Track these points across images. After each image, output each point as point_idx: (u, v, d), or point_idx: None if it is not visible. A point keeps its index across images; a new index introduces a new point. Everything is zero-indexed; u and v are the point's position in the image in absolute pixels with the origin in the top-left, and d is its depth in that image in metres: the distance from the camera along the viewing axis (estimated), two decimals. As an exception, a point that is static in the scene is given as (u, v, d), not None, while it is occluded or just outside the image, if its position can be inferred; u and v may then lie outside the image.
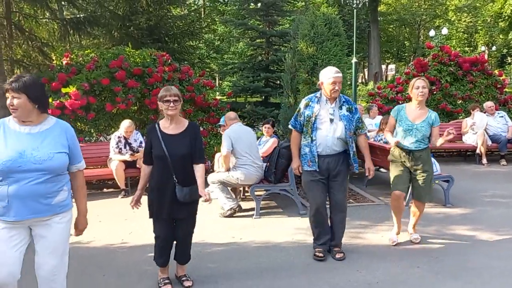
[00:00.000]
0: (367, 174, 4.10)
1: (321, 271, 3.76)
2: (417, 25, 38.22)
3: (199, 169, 3.38)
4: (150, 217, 3.42)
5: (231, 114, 5.74)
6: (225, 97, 10.41)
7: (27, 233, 2.60)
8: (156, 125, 3.39)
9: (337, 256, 4.02)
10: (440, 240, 4.43)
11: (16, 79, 2.54)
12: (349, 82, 8.84)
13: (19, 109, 2.51)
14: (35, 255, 2.63)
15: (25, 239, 2.60)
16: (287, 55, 7.10)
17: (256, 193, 5.48)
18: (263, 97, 10.90)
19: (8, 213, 2.49)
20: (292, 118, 4.12)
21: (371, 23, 31.60)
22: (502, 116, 8.92)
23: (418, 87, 4.09)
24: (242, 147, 5.35)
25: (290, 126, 4.16)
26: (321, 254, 3.99)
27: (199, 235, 4.59)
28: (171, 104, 3.26)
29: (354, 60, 9.71)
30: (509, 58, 37.62)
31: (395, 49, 41.74)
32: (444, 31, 29.43)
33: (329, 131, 3.89)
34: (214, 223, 5.10)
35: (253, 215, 5.39)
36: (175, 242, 3.50)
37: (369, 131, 7.60)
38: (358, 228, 4.86)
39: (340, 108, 3.95)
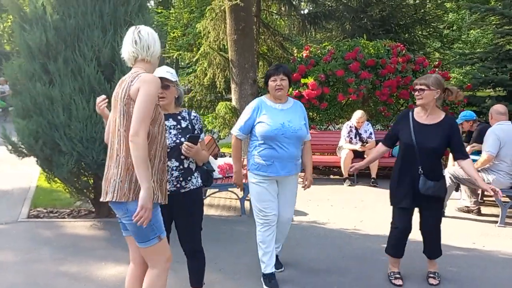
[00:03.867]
0: None
1: None
2: None
3: (467, 165, 3.21)
4: (391, 204, 3.41)
5: (500, 107, 5.02)
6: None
7: (277, 185, 3.26)
8: (410, 112, 3.34)
9: None
10: None
11: (280, 65, 3.23)
12: None
13: (284, 89, 3.17)
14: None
15: (277, 190, 3.25)
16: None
17: (503, 199, 4.87)
18: (507, 91, 9.54)
19: (269, 170, 3.15)
20: None
21: None
22: None
23: None
24: (507, 152, 4.73)
25: None
26: None
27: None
28: (417, 93, 3.20)
29: None
30: None
31: None
32: None
33: None
34: (450, 225, 4.77)
35: (496, 222, 4.85)
36: (421, 235, 3.40)
37: None
38: None
39: None
